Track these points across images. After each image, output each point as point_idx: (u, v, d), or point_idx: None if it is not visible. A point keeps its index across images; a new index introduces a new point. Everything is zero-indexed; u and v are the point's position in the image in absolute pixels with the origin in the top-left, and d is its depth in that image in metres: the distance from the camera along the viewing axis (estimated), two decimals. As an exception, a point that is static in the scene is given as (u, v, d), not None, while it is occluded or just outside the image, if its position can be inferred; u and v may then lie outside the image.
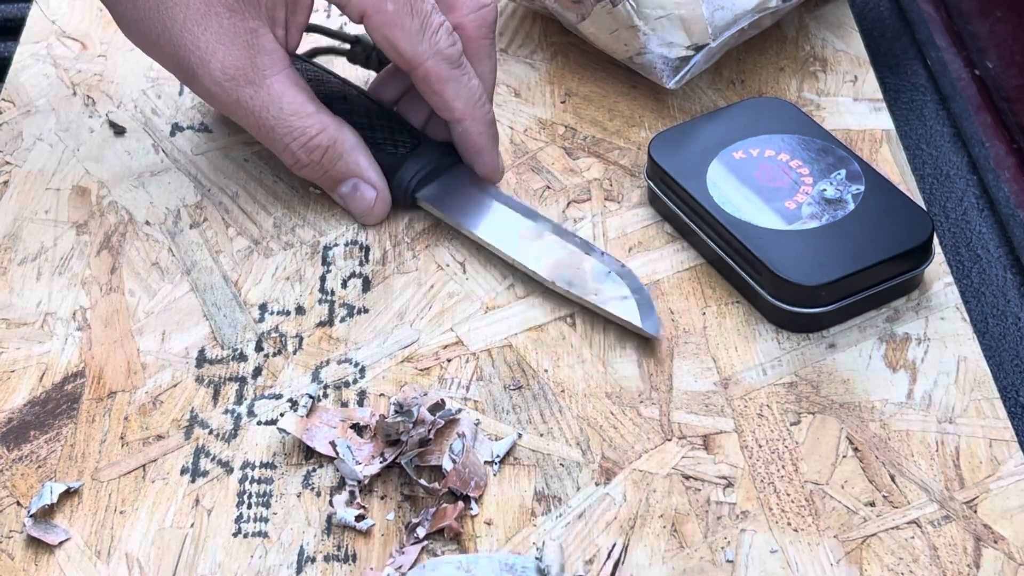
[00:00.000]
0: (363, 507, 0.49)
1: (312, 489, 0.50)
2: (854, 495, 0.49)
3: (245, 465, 0.51)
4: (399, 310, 0.57)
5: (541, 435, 0.52)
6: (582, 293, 0.56)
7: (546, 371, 0.54)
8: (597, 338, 0.55)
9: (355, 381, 0.54)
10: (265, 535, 0.49)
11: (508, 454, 0.51)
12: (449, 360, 0.55)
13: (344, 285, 0.58)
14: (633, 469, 0.50)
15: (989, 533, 0.48)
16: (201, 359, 0.55)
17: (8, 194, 0.63)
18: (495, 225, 0.59)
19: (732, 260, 0.57)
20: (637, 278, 0.57)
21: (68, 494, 0.50)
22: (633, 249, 0.60)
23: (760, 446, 0.51)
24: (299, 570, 0.47)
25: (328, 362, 0.55)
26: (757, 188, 0.58)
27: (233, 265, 0.59)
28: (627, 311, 0.55)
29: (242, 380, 0.54)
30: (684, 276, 0.58)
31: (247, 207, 0.62)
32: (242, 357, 0.55)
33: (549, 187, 0.63)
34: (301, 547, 0.48)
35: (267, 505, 0.50)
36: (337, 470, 0.50)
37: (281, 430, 0.52)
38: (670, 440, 0.51)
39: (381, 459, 0.50)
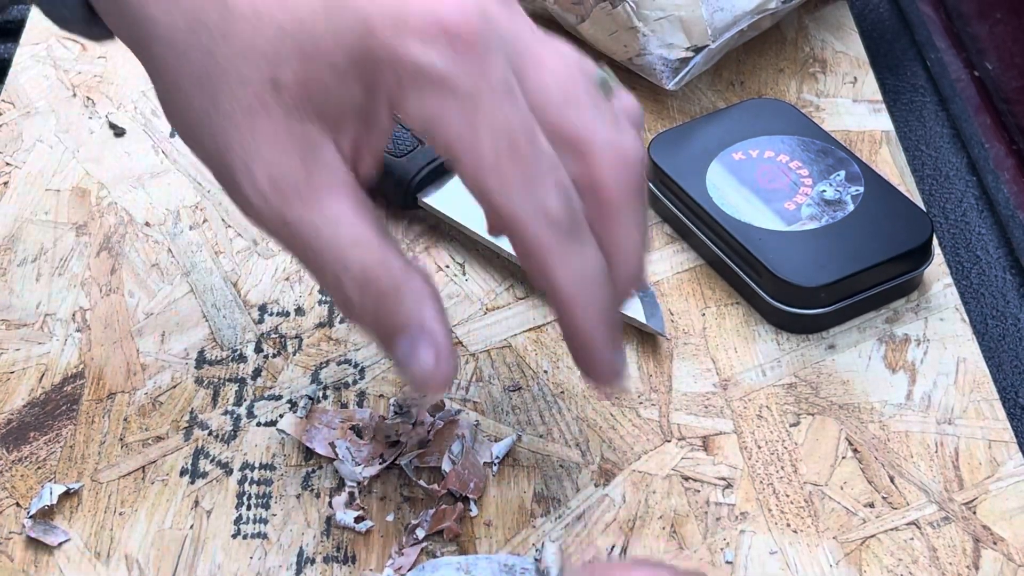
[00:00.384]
0: (362, 508, 0.49)
1: (311, 490, 0.50)
2: (853, 496, 0.49)
3: (244, 466, 0.51)
4: (399, 311, 0.57)
5: (540, 436, 0.52)
6: (583, 294, 0.55)
7: (545, 372, 0.54)
8: (596, 339, 0.55)
9: (355, 382, 0.54)
10: (264, 536, 0.49)
11: (507, 455, 0.51)
12: (449, 361, 0.55)
13: (344, 286, 0.58)
14: (632, 470, 0.50)
15: (988, 534, 0.48)
16: (201, 360, 0.55)
17: (8, 195, 0.63)
18: None
19: (732, 261, 0.57)
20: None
21: (68, 495, 0.50)
22: (633, 250, 0.59)
23: (759, 447, 0.51)
24: (298, 571, 0.47)
25: (328, 363, 0.55)
26: (757, 189, 0.58)
27: (233, 266, 0.59)
28: (632, 309, 0.55)
29: (241, 381, 0.54)
30: (683, 277, 0.58)
31: (247, 208, 0.62)
32: (241, 358, 0.55)
33: (549, 188, 0.63)
34: (300, 548, 0.48)
35: (266, 506, 0.50)
36: (336, 471, 0.50)
37: (280, 431, 0.52)
38: (669, 441, 0.51)
39: (380, 460, 0.50)
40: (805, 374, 0.54)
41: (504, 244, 0.58)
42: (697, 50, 0.64)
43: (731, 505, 0.49)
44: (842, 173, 0.59)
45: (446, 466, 0.50)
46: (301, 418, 0.52)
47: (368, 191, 0.44)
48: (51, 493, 0.49)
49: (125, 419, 0.53)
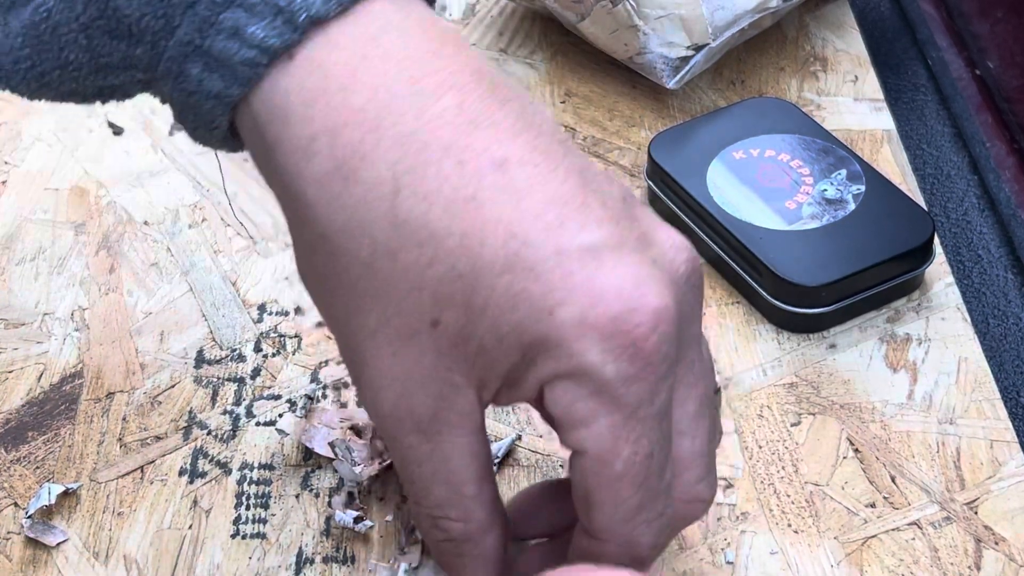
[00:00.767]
0: (362, 508, 0.49)
1: (311, 490, 0.50)
2: (854, 496, 0.49)
3: (244, 466, 0.51)
4: (398, 310, 0.57)
5: (540, 436, 0.52)
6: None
7: (546, 372, 0.54)
8: (597, 339, 0.55)
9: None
10: (264, 536, 0.48)
11: (507, 455, 0.51)
12: (448, 361, 0.54)
13: (343, 285, 0.58)
14: (633, 470, 0.50)
15: (990, 534, 0.48)
16: (200, 359, 0.55)
17: (6, 194, 0.63)
18: None
19: (732, 260, 0.57)
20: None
21: (66, 495, 0.50)
22: (633, 249, 0.59)
23: (760, 447, 0.51)
24: (298, 571, 0.47)
25: (327, 362, 0.55)
26: (757, 188, 0.58)
27: (232, 265, 0.59)
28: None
29: (241, 381, 0.54)
30: (684, 276, 0.58)
31: (246, 207, 0.62)
32: (241, 358, 0.55)
33: (549, 187, 0.62)
34: (300, 548, 0.48)
35: (266, 506, 0.49)
36: (336, 471, 0.50)
37: (280, 431, 0.51)
38: (670, 441, 0.51)
39: (380, 460, 0.50)
40: (806, 373, 0.54)
41: None
42: (698, 49, 0.64)
43: (732, 505, 0.49)
44: (843, 172, 0.59)
45: (446, 466, 0.50)
46: (300, 418, 0.52)
47: None
48: (49, 493, 0.49)
49: (124, 419, 0.53)
